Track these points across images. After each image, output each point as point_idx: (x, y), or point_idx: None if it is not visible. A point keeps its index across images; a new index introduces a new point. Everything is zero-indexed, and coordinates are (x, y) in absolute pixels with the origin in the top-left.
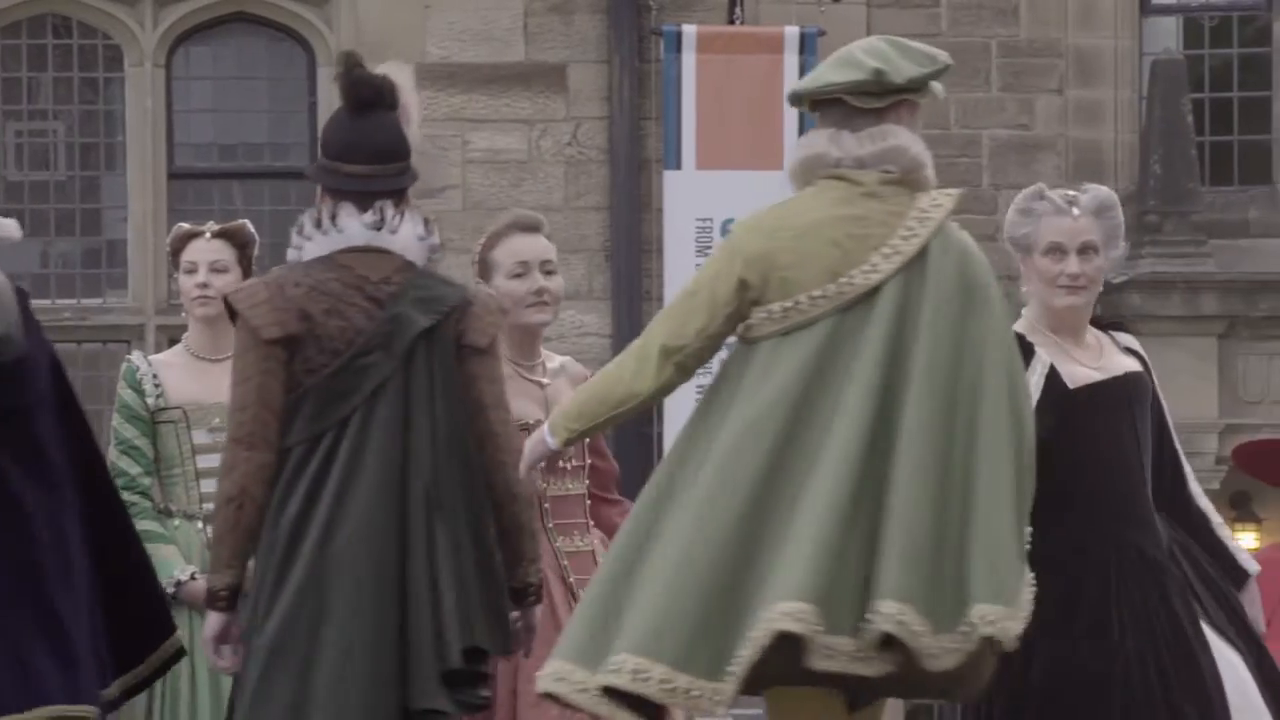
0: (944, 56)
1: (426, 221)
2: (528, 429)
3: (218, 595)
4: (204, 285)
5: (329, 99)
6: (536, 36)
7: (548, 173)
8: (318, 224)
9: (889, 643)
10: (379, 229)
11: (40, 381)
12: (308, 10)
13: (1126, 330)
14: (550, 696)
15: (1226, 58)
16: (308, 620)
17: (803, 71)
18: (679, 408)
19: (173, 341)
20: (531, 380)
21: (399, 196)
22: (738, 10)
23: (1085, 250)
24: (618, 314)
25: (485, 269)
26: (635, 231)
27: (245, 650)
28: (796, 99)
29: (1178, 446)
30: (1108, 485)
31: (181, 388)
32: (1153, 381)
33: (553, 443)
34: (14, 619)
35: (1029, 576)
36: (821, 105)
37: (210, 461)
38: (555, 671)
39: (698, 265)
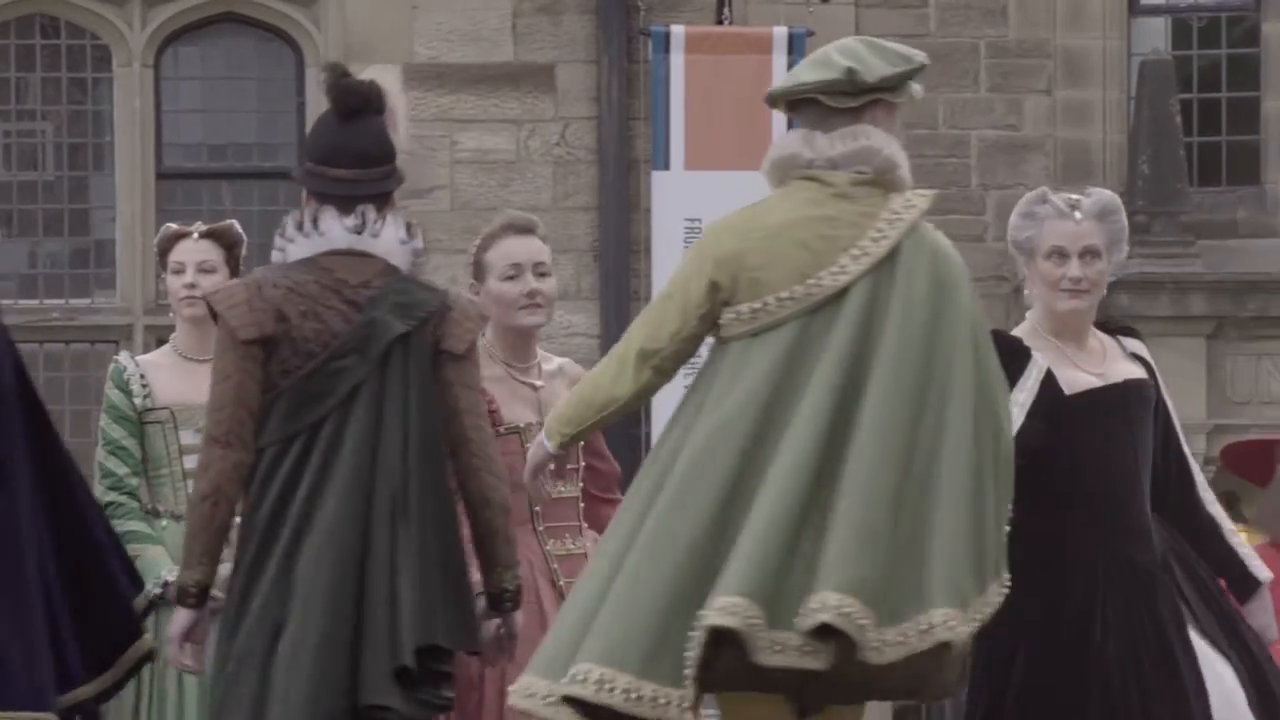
0: (920, 56)
1: (409, 225)
2: (518, 433)
3: (187, 592)
4: (192, 286)
5: (317, 99)
6: (525, 37)
7: (536, 173)
8: (299, 226)
9: (833, 635)
10: (360, 232)
11: (4, 379)
12: (296, 10)
13: (1136, 335)
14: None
15: (1215, 58)
16: (274, 623)
17: None
18: (667, 408)
19: (160, 342)
20: (525, 383)
21: (382, 201)
22: (726, 11)
23: (1087, 254)
24: (606, 314)
25: (479, 271)
26: (624, 232)
27: (223, 650)
28: (772, 100)
29: (1185, 451)
30: (1101, 492)
31: (169, 388)
32: (1158, 387)
33: (549, 446)
34: None
35: (1004, 577)
36: (798, 106)
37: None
38: (524, 687)
39: None
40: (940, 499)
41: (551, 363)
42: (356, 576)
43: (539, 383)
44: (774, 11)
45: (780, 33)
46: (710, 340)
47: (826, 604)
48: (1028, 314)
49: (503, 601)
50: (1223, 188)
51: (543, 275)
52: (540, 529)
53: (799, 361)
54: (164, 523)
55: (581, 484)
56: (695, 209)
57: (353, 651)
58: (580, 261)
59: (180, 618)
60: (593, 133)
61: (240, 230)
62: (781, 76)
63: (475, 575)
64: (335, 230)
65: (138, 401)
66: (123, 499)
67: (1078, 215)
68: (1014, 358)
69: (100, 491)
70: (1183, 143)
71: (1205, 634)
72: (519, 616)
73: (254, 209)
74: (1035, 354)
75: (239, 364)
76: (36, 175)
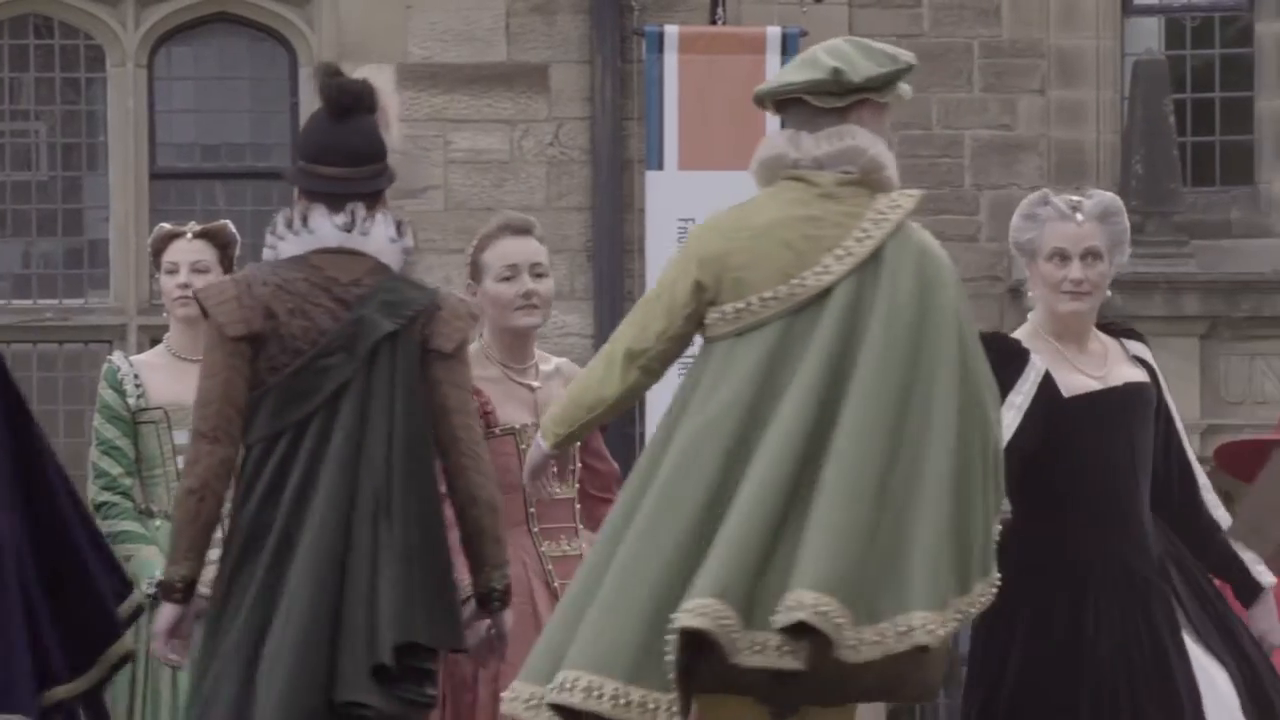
0: (907, 57)
1: (400, 223)
2: (513, 434)
3: (173, 586)
4: (185, 286)
5: (311, 99)
6: (518, 37)
7: (530, 173)
8: (290, 224)
9: (808, 634)
10: (350, 230)
11: None
12: (289, 10)
13: (1139, 338)
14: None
15: (1208, 58)
16: (260, 622)
17: None
18: (661, 407)
19: (154, 342)
20: (521, 384)
21: (373, 199)
22: (720, 11)
23: (1089, 256)
24: (600, 314)
25: (476, 271)
26: (617, 232)
27: (207, 647)
28: (759, 100)
29: (1189, 454)
30: (1099, 495)
31: (163, 388)
32: (1160, 390)
33: (544, 446)
34: None
35: (993, 576)
36: (786, 106)
37: None
38: (514, 693)
39: None
40: (923, 499)
41: (549, 363)
42: (338, 574)
43: (536, 384)
44: (767, 12)
45: (774, 33)
46: (700, 339)
47: (803, 602)
48: (1029, 315)
49: (491, 601)
50: (1216, 188)
51: (539, 276)
52: (535, 530)
53: (782, 361)
54: (158, 523)
55: (579, 484)
56: (689, 209)
57: (331, 649)
58: (574, 262)
59: (165, 612)
60: (586, 133)
61: (234, 230)
62: None
63: (466, 577)
64: (325, 228)
65: (131, 401)
66: (116, 499)
67: (1079, 217)
68: (1011, 360)
69: (94, 492)
70: (1176, 143)
71: (1201, 639)
72: (508, 616)
73: (247, 209)
74: (1033, 356)
75: (227, 360)
76: (30, 175)
